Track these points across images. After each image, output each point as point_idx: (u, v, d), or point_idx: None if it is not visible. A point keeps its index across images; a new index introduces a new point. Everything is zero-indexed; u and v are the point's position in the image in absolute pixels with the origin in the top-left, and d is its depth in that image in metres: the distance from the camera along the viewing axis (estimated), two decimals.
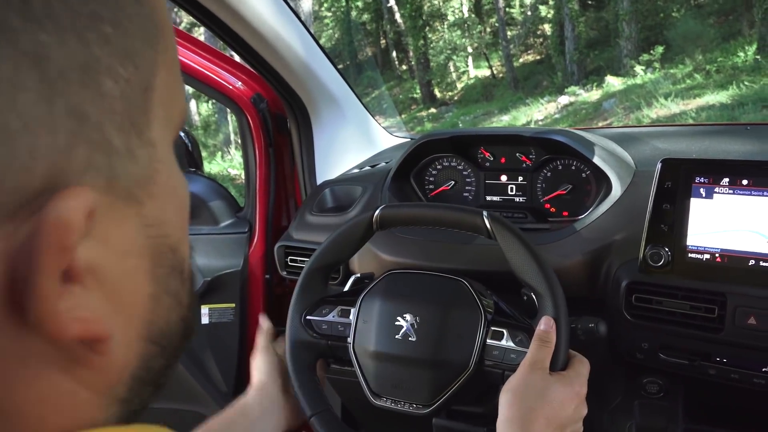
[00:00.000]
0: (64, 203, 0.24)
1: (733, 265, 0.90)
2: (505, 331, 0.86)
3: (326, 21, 24.32)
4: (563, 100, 12.61)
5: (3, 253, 0.24)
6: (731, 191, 0.90)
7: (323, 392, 0.93)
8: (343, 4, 22.64)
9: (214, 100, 1.37)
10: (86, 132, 0.26)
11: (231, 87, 1.40)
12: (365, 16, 23.35)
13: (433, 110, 17.37)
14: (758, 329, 0.88)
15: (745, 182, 0.89)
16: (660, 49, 12.21)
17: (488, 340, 0.86)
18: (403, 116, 17.75)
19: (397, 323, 0.89)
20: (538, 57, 18.43)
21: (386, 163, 1.43)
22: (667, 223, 0.94)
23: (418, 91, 19.34)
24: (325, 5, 23.47)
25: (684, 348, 0.98)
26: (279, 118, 1.42)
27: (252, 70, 1.32)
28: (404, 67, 21.86)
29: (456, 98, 18.28)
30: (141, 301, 0.31)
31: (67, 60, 0.25)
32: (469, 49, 19.14)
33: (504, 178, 1.29)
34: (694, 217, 0.92)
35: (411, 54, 19.95)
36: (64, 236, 0.24)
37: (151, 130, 0.30)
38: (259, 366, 0.93)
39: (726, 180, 0.90)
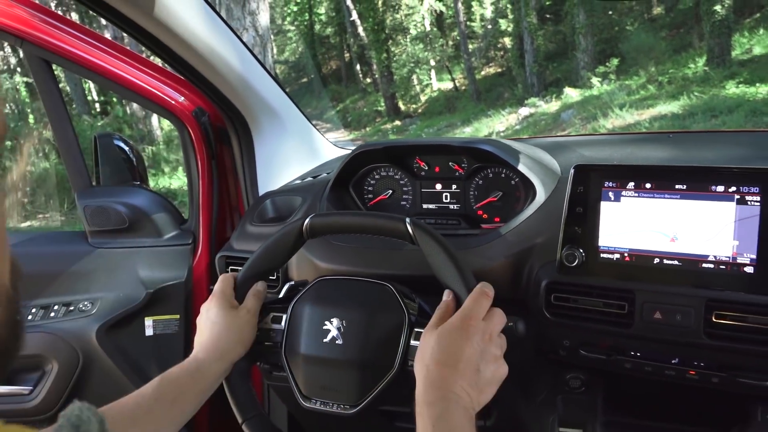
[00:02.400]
0: None
1: (640, 264, 0.96)
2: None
3: (289, 35, 24.36)
4: (524, 111, 12.85)
5: None
6: (637, 194, 0.96)
7: (255, 398, 0.96)
8: (306, 18, 22.71)
9: None
10: None
11: (173, 102, 1.42)
12: (328, 30, 23.46)
13: (397, 123, 17.50)
14: (663, 323, 0.94)
15: (648, 186, 0.95)
16: (615, 61, 12.57)
17: (412, 341, 0.90)
18: (367, 129, 17.84)
19: (324, 327, 0.92)
20: (500, 69, 18.75)
21: (327, 173, 1.46)
22: (580, 225, 1.00)
23: (383, 104, 19.47)
24: (288, 19, 23.51)
25: (602, 344, 1.04)
26: (221, 131, 1.45)
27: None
28: (368, 80, 22.01)
29: (420, 110, 18.46)
30: None
31: None
32: (432, 62, 19.37)
33: (439, 186, 1.34)
34: (605, 220, 0.98)
35: (375, 67, 20.10)
36: None
37: None
38: (226, 322, 0.93)
39: (632, 184, 0.96)
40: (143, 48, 1.20)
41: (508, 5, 17.57)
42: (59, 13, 1.39)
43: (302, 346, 0.93)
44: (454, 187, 1.33)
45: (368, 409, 0.90)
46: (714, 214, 0.91)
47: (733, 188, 0.90)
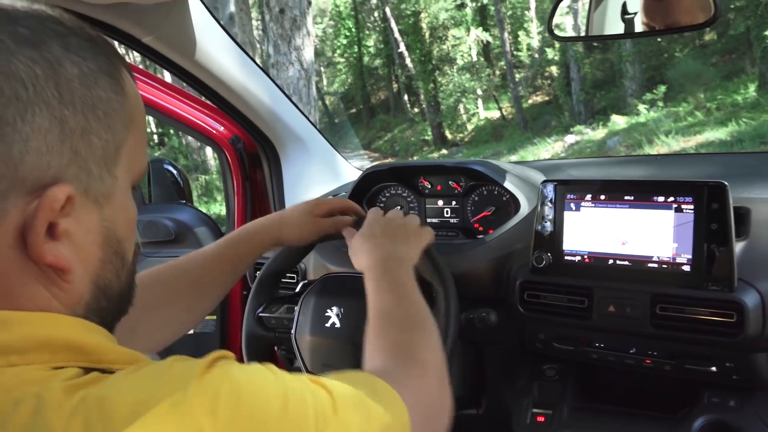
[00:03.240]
0: (55, 189, 0.47)
1: (597, 264, 1.12)
2: None
3: (339, 67, 25.04)
4: (570, 139, 12.88)
5: (21, 212, 0.47)
6: (593, 204, 1.12)
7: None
8: (356, 50, 23.34)
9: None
10: (78, 160, 0.49)
11: (214, 131, 1.66)
12: (377, 61, 24.02)
13: (444, 151, 17.73)
14: (616, 315, 1.09)
15: (602, 197, 1.11)
16: (662, 88, 12.49)
17: None
18: (414, 158, 18.10)
19: (326, 314, 1.11)
20: (547, 98, 18.82)
21: (346, 193, 1.66)
22: (548, 232, 1.16)
23: (430, 133, 19.76)
24: (338, 52, 24.18)
25: (571, 337, 1.19)
26: (254, 155, 1.68)
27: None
28: (416, 109, 22.38)
29: (466, 139, 18.65)
30: (93, 260, 0.54)
31: (76, 125, 0.48)
32: (479, 92, 19.60)
33: (440, 202, 1.52)
34: (568, 227, 1.14)
35: (422, 97, 20.47)
36: (51, 205, 0.47)
37: (117, 170, 0.53)
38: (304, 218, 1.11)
39: (589, 196, 1.13)
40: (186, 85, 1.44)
41: None
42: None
43: (308, 330, 1.12)
44: (453, 203, 1.51)
45: None
46: (656, 220, 1.06)
47: (671, 198, 1.05)
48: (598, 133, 12.41)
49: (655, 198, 1.06)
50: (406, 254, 0.95)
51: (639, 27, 1.13)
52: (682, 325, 1.03)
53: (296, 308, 1.17)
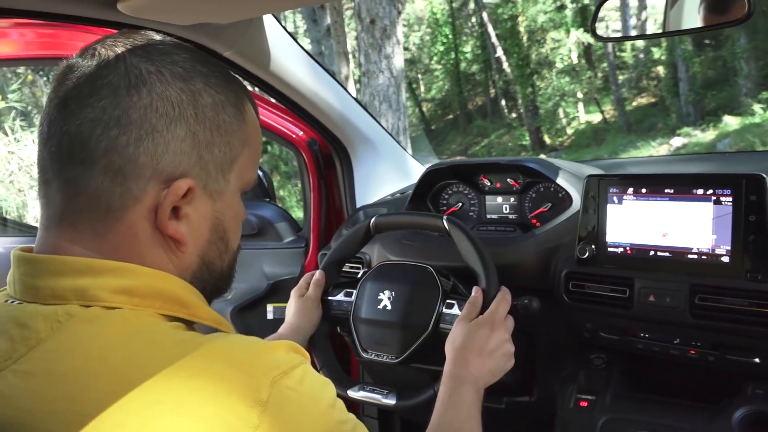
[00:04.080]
0: (181, 181, 0.62)
1: (638, 256, 1.15)
2: (455, 302, 1.17)
3: (436, 73, 25.15)
4: (676, 141, 12.26)
5: (156, 195, 0.62)
6: (635, 198, 1.16)
7: (331, 353, 1.27)
8: (452, 56, 23.37)
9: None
10: (201, 163, 0.64)
11: (294, 135, 1.82)
12: (474, 67, 23.92)
13: (542, 156, 17.34)
14: (656, 305, 1.12)
15: (644, 190, 1.15)
16: None
17: (444, 309, 1.17)
18: None
19: (379, 297, 1.22)
20: (652, 99, 17.96)
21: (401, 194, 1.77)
22: (592, 225, 1.21)
23: (528, 138, 19.40)
24: (435, 58, 24.31)
25: (617, 327, 1.23)
26: (328, 157, 1.82)
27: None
28: (513, 114, 22.05)
29: (566, 144, 18.16)
30: (203, 239, 0.68)
31: (204, 138, 0.64)
32: (579, 95, 19.04)
33: (499, 199, 1.59)
34: (611, 220, 1.19)
35: (520, 102, 20.15)
36: (176, 192, 0.62)
37: (230, 175, 0.69)
38: (298, 307, 1.27)
39: (631, 189, 1.16)
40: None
41: None
42: None
43: (363, 311, 1.23)
44: (512, 200, 1.57)
45: (408, 360, 1.18)
46: (696, 213, 1.09)
47: (710, 191, 1.07)
48: (708, 135, 11.74)
49: (694, 191, 1.09)
50: (484, 385, 1.02)
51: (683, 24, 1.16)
52: (721, 315, 1.05)
53: (354, 292, 1.28)
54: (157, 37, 0.67)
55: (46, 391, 0.52)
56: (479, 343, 1.04)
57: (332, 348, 1.29)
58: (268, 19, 1.36)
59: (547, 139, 18.78)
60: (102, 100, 0.59)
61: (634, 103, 18.26)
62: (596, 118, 18.72)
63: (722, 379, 1.16)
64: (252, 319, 1.80)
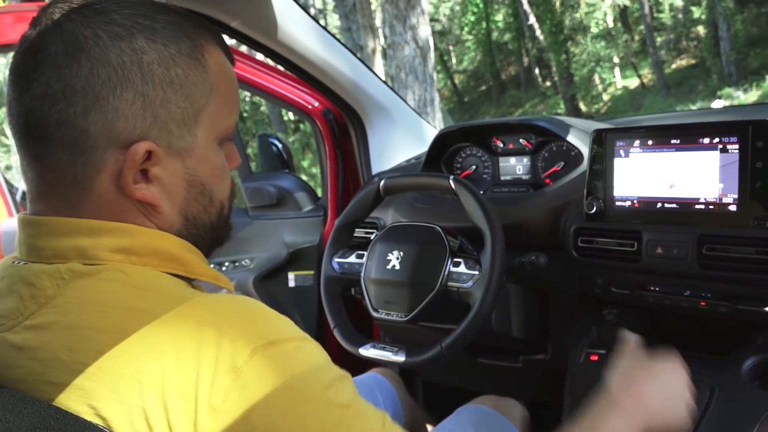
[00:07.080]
0: (137, 145, 0.63)
1: (646, 209, 1.14)
2: (462, 260, 1.18)
3: (468, 44, 24.78)
4: (717, 104, 11.87)
5: (116, 162, 0.63)
6: (642, 150, 1.15)
7: (344, 312, 1.30)
8: (484, 26, 22.97)
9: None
10: (158, 124, 0.65)
11: (309, 105, 1.84)
12: (506, 36, 23.48)
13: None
14: (664, 257, 1.11)
15: (650, 142, 1.13)
16: None
17: (451, 268, 1.19)
18: None
19: (388, 258, 1.24)
20: (693, 61, 17.39)
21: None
22: (599, 179, 1.20)
23: (563, 106, 19.03)
24: (466, 29, 23.92)
25: (627, 281, 1.22)
26: (343, 125, 1.83)
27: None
28: (548, 83, 21.64)
29: (602, 111, 17.77)
30: (179, 197, 0.69)
31: (155, 97, 0.63)
32: (615, 60, 18.55)
33: (512, 160, 1.58)
34: (618, 173, 1.18)
35: (554, 69, 19.73)
36: (133, 156, 0.63)
37: (198, 128, 0.68)
38: None
39: (637, 142, 1.15)
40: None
41: None
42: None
43: (373, 272, 1.26)
44: (525, 160, 1.57)
45: (417, 318, 1.20)
46: (702, 162, 1.07)
47: (717, 139, 1.05)
48: (751, 96, 11.36)
49: (700, 140, 1.07)
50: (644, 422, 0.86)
51: None
52: (729, 265, 1.04)
53: (366, 254, 1.31)
54: None
55: (54, 343, 0.56)
56: (661, 388, 0.91)
57: (351, 309, 1.32)
58: None
59: (582, 107, 18.39)
60: (45, 74, 0.59)
61: (673, 66, 17.72)
62: (633, 83, 18.26)
63: (735, 331, 1.15)
64: (274, 287, 1.84)
